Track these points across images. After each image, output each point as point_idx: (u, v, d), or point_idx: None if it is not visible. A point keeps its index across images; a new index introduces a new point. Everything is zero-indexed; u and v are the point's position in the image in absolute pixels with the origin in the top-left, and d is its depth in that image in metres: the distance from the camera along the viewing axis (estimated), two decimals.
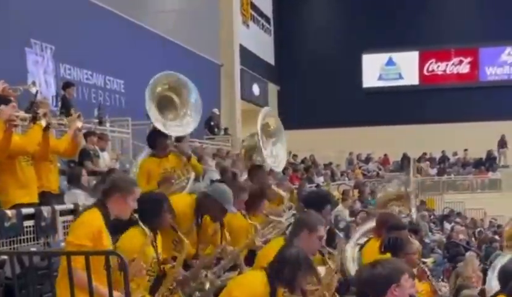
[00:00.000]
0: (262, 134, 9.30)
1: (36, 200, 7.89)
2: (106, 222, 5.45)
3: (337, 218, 16.32)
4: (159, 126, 8.64)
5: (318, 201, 7.79)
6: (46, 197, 8.20)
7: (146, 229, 5.91)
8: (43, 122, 7.43)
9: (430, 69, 38.97)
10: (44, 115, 7.51)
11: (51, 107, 9.45)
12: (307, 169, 27.58)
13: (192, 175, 8.78)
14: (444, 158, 36.28)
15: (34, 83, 9.33)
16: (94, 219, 5.40)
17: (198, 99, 9.04)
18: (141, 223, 5.91)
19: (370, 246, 7.79)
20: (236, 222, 7.65)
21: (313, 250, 6.13)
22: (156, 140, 8.69)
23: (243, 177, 10.21)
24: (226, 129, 26.93)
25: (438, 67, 38.94)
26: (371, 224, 8.64)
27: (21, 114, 7.53)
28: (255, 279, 5.51)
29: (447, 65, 38.88)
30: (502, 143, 35.40)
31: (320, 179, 27.10)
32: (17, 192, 7.64)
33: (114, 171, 10.79)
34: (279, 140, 9.78)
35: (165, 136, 8.64)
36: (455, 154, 36.31)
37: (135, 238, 5.93)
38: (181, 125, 8.97)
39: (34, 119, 7.39)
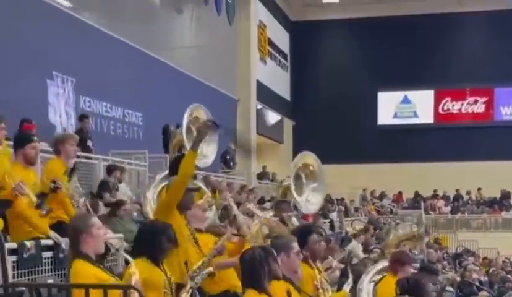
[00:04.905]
0: (302, 175, 9.29)
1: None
2: (96, 266, 5.44)
3: (351, 254, 16.37)
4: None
5: (301, 234, 7.86)
6: (62, 228, 8.32)
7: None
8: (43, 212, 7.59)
9: (445, 108, 39.00)
10: (48, 212, 7.69)
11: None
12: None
13: (214, 207, 8.81)
14: (458, 197, 36.23)
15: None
16: (85, 270, 5.37)
17: (216, 143, 9.11)
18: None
19: (385, 283, 8.03)
20: None
21: (295, 268, 6.36)
22: None
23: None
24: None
25: (453, 106, 38.96)
26: (385, 263, 8.79)
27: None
28: None
29: (462, 104, 38.91)
30: None
31: (334, 215, 27.11)
32: (27, 229, 7.71)
33: (123, 202, 10.96)
34: (320, 185, 9.71)
35: None
36: (469, 193, 36.27)
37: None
38: (202, 156, 9.02)
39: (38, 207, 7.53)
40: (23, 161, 7.79)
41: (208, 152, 9.23)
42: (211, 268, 6.85)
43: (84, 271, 5.34)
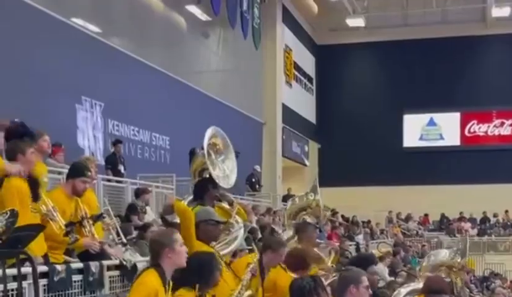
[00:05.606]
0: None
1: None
2: (163, 281, 5.58)
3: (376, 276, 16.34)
4: (220, 176, 8.68)
5: (362, 263, 7.95)
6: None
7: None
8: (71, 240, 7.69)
9: (472, 130, 38.87)
10: (76, 240, 7.74)
11: (97, 163, 9.71)
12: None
13: (242, 225, 8.83)
14: (485, 219, 36.03)
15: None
16: (151, 280, 5.52)
17: (234, 161, 9.17)
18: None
19: None
20: (283, 279, 7.57)
21: None
22: (207, 190, 8.41)
23: (286, 233, 10.23)
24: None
25: (479, 129, 38.82)
26: (418, 284, 8.84)
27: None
28: None
29: (488, 126, 38.75)
30: None
31: (360, 237, 27.13)
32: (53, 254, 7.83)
33: (149, 225, 11.10)
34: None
35: (217, 187, 8.53)
36: (495, 215, 36.04)
37: None
38: (225, 176, 9.05)
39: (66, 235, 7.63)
40: (71, 191, 7.86)
41: (228, 171, 9.14)
42: (250, 292, 6.94)
43: (151, 282, 5.51)
